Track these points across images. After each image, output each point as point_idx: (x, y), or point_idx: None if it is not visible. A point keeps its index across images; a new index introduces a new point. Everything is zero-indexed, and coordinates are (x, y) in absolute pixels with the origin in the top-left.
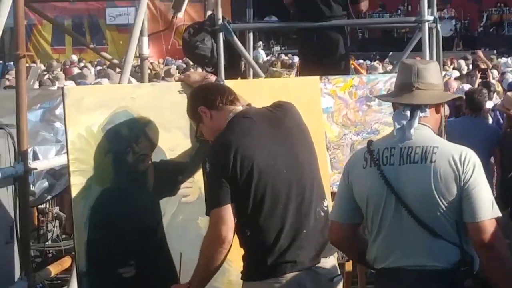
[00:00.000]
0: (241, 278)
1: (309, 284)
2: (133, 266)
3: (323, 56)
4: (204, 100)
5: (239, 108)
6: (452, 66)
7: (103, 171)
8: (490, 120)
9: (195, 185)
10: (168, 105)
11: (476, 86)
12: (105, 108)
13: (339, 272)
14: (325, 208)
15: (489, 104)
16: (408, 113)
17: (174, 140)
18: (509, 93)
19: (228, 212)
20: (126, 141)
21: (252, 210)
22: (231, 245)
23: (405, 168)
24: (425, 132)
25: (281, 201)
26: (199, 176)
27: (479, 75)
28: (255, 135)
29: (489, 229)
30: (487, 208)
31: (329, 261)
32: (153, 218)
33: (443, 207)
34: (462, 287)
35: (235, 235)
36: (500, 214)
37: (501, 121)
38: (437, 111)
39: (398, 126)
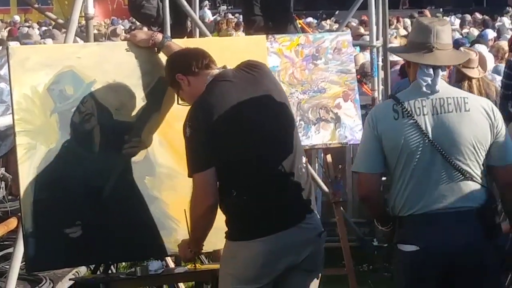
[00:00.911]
0: (226, 238)
1: (297, 241)
2: (80, 226)
3: (268, 16)
4: (180, 67)
5: (215, 71)
6: (400, 25)
7: (49, 131)
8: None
9: (142, 145)
10: (114, 65)
11: None
12: (50, 68)
13: (323, 228)
14: (305, 165)
15: None
16: (431, 71)
17: (120, 99)
18: (461, 49)
19: (210, 176)
20: (72, 101)
21: (236, 170)
22: (217, 206)
23: (440, 117)
24: (447, 85)
25: (265, 160)
26: (145, 135)
27: None
28: (235, 96)
29: None
30: None
31: (314, 217)
32: (100, 178)
33: (478, 152)
34: (494, 222)
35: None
36: None
37: None
38: (448, 67)
39: (424, 83)
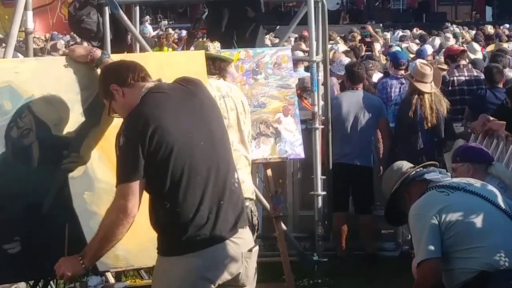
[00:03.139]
0: (158, 253)
1: (229, 256)
2: (18, 242)
3: (234, 29)
4: (115, 78)
5: (151, 84)
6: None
7: None
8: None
9: (80, 160)
10: (53, 80)
11: (360, 58)
12: None
13: (255, 243)
14: (237, 180)
15: (375, 77)
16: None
17: (59, 114)
18: (417, 63)
19: (137, 187)
20: (10, 116)
21: (171, 182)
22: (133, 220)
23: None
24: None
25: (199, 173)
26: (84, 150)
27: (364, 48)
28: (170, 108)
29: None
30: None
31: (246, 232)
32: (38, 193)
33: None
34: None
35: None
36: None
37: (389, 91)
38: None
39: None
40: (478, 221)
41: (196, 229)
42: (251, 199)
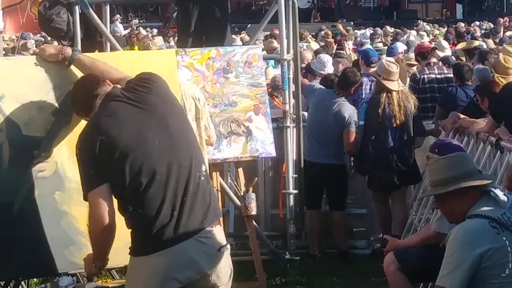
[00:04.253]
0: (129, 254)
1: (196, 255)
2: None
3: (204, 28)
4: (84, 111)
5: (105, 91)
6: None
7: None
8: None
9: (51, 160)
10: (23, 79)
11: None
12: None
13: (226, 242)
14: (204, 173)
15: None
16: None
17: (29, 114)
18: (383, 61)
19: (103, 193)
20: None
21: (130, 185)
22: (113, 222)
23: None
24: None
25: (158, 172)
26: (55, 151)
27: (335, 46)
28: (120, 116)
29: None
30: None
31: (216, 230)
32: (9, 193)
33: None
34: None
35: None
36: None
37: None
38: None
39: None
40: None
41: (160, 228)
42: None
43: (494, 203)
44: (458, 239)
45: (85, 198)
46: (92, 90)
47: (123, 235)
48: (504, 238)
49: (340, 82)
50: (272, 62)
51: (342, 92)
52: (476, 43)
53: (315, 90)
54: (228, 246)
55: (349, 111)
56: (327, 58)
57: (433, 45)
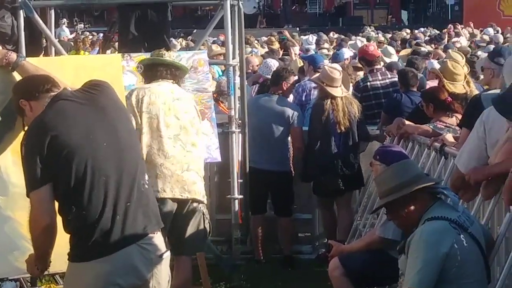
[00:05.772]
0: (68, 259)
1: (138, 261)
2: None
3: (144, 33)
4: (22, 93)
5: (55, 92)
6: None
7: None
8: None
9: None
10: None
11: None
12: None
13: (167, 248)
14: (148, 182)
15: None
16: None
17: None
18: (326, 67)
19: (45, 193)
20: None
21: (74, 185)
22: (55, 222)
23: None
24: None
25: (103, 174)
26: None
27: (281, 52)
28: (69, 114)
29: None
30: None
31: (157, 237)
32: None
33: None
34: None
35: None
36: None
37: (306, 94)
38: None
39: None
40: (474, 271)
41: (102, 233)
42: (202, 202)
43: (447, 207)
44: (424, 240)
45: (28, 196)
46: (45, 84)
47: (67, 240)
48: (464, 239)
49: (272, 79)
50: (217, 68)
51: (274, 89)
52: (422, 49)
53: (251, 99)
54: (168, 252)
55: (290, 110)
56: (273, 63)
57: (379, 52)
